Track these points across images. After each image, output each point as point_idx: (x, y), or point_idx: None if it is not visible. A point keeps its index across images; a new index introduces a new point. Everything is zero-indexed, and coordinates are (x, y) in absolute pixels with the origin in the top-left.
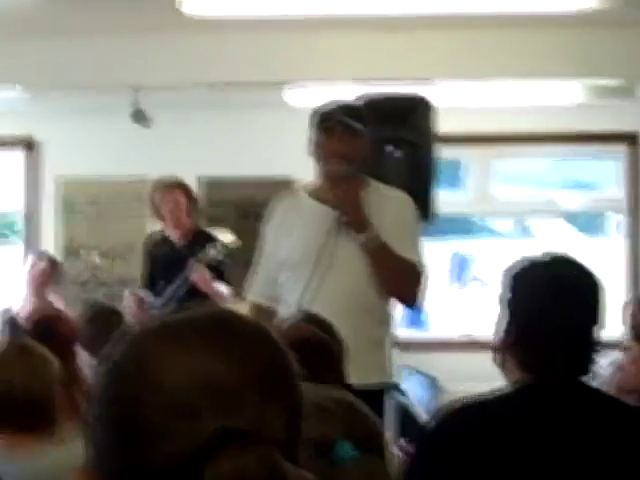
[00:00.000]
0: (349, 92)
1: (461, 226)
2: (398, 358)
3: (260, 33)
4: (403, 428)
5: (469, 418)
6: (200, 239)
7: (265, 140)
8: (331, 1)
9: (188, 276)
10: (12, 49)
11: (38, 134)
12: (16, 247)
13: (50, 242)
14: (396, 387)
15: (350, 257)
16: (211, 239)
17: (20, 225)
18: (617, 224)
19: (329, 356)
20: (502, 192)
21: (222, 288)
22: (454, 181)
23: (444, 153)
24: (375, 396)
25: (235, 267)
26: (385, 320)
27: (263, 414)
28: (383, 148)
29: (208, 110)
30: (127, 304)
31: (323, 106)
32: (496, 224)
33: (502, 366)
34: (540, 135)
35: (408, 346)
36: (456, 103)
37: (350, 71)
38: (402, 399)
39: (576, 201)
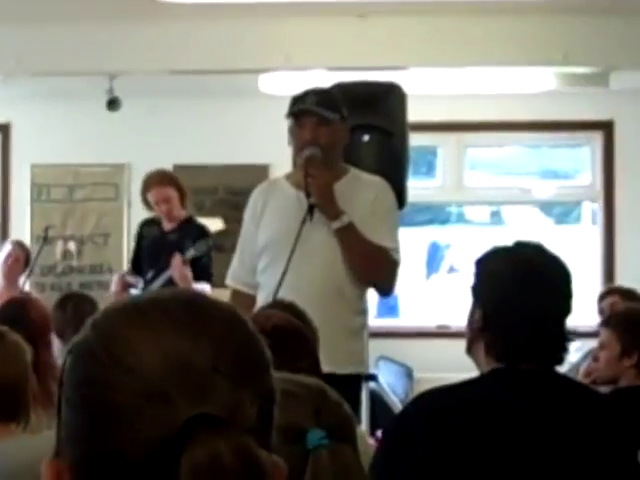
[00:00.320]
0: (323, 79)
1: (434, 214)
2: (372, 347)
3: (234, 21)
4: (378, 418)
5: (437, 403)
6: (188, 227)
7: (241, 128)
8: None
9: (172, 274)
10: None
11: (13, 119)
12: None
13: (24, 229)
14: (372, 377)
15: (326, 244)
16: (199, 228)
17: None
18: (592, 213)
19: (303, 344)
20: (476, 180)
21: (203, 286)
22: (427, 169)
23: (417, 141)
24: (350, 384)
25: (216, 254)
26: (361, 309)
27: (235, 400)
28: (355, 135)
29: (183, 97)
30: (115, 289)
31: (296, 95)
32: (470, 212)
33: (471, 354)
34: (514, 123)
35: (381, 335)
36: (429, 90)
37: (324, 59)
38: (377, 389)
39: (550, 189)
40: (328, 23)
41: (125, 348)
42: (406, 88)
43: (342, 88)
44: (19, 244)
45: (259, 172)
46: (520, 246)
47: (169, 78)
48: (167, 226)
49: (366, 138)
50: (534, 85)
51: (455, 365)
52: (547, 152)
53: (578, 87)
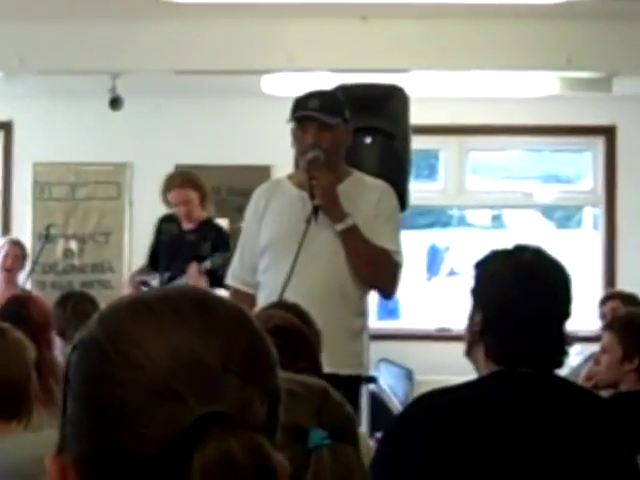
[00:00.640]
0: (326, 81)
1: (436, 217)
2: (372, 349)
3: (237, 21)
4: (378, 420)
5: (437, 404)
6: (207, 228)
7: (243, 128)
8: None
9: (187, 282)
10: None
11: (15, 117)
12: None
13: (26, 227)
14: (372, 379)
15: (329, 246)
16: (218, 229)
17: None
18: (593, 218)
19: (305, 344)
20: (477, 184)
21: (219, 291)
22: (429, 172)
23: (419, 144)
24: (349, 385)
25: None
26: (363, 311)
27: (245, 398)
28: (357, 137)
29: (186, 97)
30: (128, 290)
31: (299, 97)
32: (471, 216)
33: (471, 357)
34: (516, 127)
35: (382, 337)
36: (432, 93)
37: (326, 60)
38: (377, 391)
39: (552, 194)
40: (331, 25)
41: (133, 344)
42: (409, 91)
43: (345, 90)
44: (15, 242)
45: (261, 173)
46: (519, 249)
47: (172, 78)
48: (186, 226)
49: (368, 140)
50: (537, 89)
51: (455, 368)
52: (549, 156)
53: (581, 92)
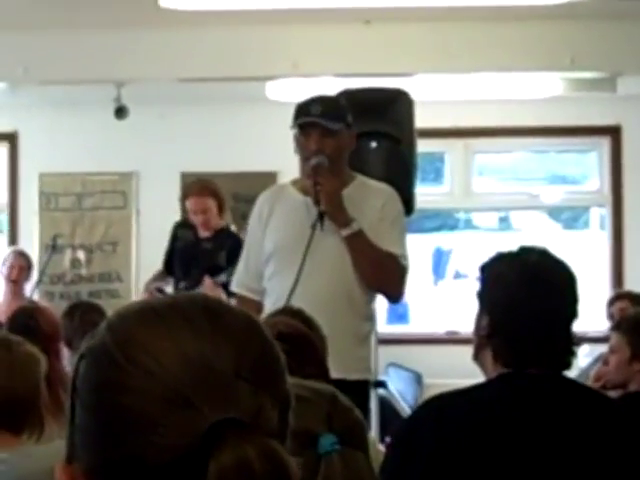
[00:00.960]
0: (330, 86)
1: (443, 220)
2: (381, 354)
3: (241, 28)
4: (388, 425)
5: (446, 407)
6: (223, 236)
7: (248, 135)
8: None
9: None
10: None
11: (20, 128)
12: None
13: (33, 238)
14: (382, 384)
15: (335, 252)
16: (234, 237)
17: (4, 220)
18: (600, 218)
19: (311, 350)
20: (484, 186)
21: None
22: (435, 175)
23: (425, 147)
24: (358, 390)
25: None
26: (369, 316)
27: (258, 405)
28: (363, 142)
29: (191, 105)
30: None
31: (301, 103)
32: (478, 218)
33: (479, 360)
34: (522, 128)
35: (391, 342)
36: (437, 96)
37: (331, 65)
38: (387, 395)
39: (558, 195)
40: (335, 30)
41: (144, 351)
42: (413, 94)
43: (349, 95)
44: (20, 253)
45: (267, 179)
46: (525, 251)
47: (176, 86)
48: (202, 233)
49: (374, 145)
50: (541, 90)
51: (465, 371)
52: (555, 157)
53: (585, 92)
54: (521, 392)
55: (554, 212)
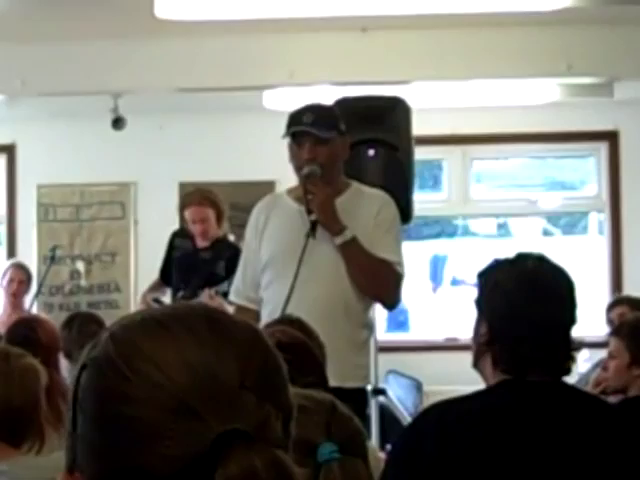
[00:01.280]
0: (327, 95)
1: (441, 227)
2: (381, 361)
3: (238, 38)
4: (388, 432)
5: (446, 415)
6: (221, 246)
7: (246, 144)
8: (307, 3)
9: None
10: None
11: (18, 140)
12: None
13: (31, 250)
14: (382, 391)
15: (330, 260)
16: (232, 247)
17: (2, 232)
18: (598, 223)
19: (311, 359)
20: (482, 193)
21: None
22: (433, 182)
23: (422, 154)
24: (356, 398)
25: None
26: (366, 323)
27: (263, 415)
28: (361, 150)
29: (188, 115)
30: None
31: (294, 112)
32: (477, 225)
33: (478, 368)
34: (519, 135)
35: (390, 349)
36: (434, 104)
37: (328, 74)
38: (387, 403)
39: (557, 201)
40: (331, 38)
41: (149, 362)
42: (410, 102)
43: (346, 103)
44: (19, 266)
45: (265, 189)
46: (522, 257)
47: (173, 96)
48: (200, 243)
49: (371, 153)
50: (538, 96)
51: (464, 378)
52: (553, 163)
53: (582, 98)
54: (521, 399)
55: (552, 218)
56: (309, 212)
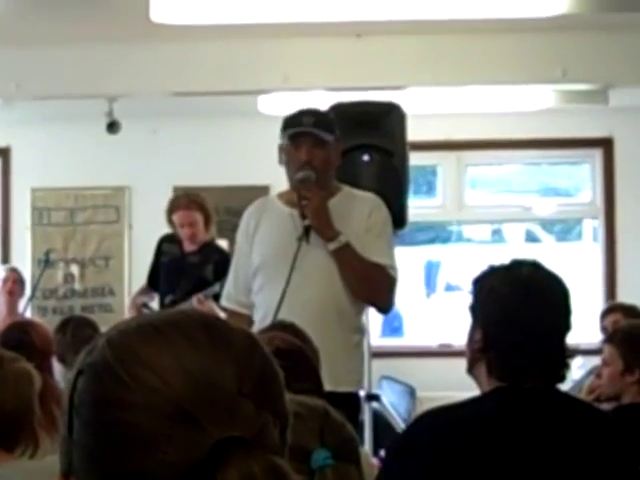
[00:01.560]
0: (322, 100)
1: (436, 233)
2: (374, 367)
3: (232, 42)
4: (381, 438)
5: (441, 421)
6: (209, 250)
7: (240, 149)
8: (302, 8)
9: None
10: None
11: (13, 143)
12: None
13: (25, 253)
14: (375, 397)
15: (323, 264)
16: (220, 251)
17: None
18: (593, 230)
19: (307, 365)
20: (476, 199)
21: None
22: (428, 188)
23: (417, 160)
24: (349, 402)
25: None
26: (359, 328)
27: (261, 422)
28: (355, 155)
29: (183, 119)
30: (131, 313)
31: (291, 115)
32: (471, 231)
33: (473, 374)
34: (514, 141)
35: (384, 355)
36: (429, 109)
37: (322, 79)
38: (380, 409)
39: (551, 207)
40: (326, 43)
41: (146, 367)
42: (405, 107)
43: (341, 108)
44: (13, 270)
45: (259, 193)
46: (517, 264)
47: (168, 100)
48: (188, 247)
49: (366, 158)
50: (533, 103)
51: (458, 384)
52: (547, 170)
53: (577, 104)
54: (515, 407)
55: (547, 224)
56: (303, 217)
